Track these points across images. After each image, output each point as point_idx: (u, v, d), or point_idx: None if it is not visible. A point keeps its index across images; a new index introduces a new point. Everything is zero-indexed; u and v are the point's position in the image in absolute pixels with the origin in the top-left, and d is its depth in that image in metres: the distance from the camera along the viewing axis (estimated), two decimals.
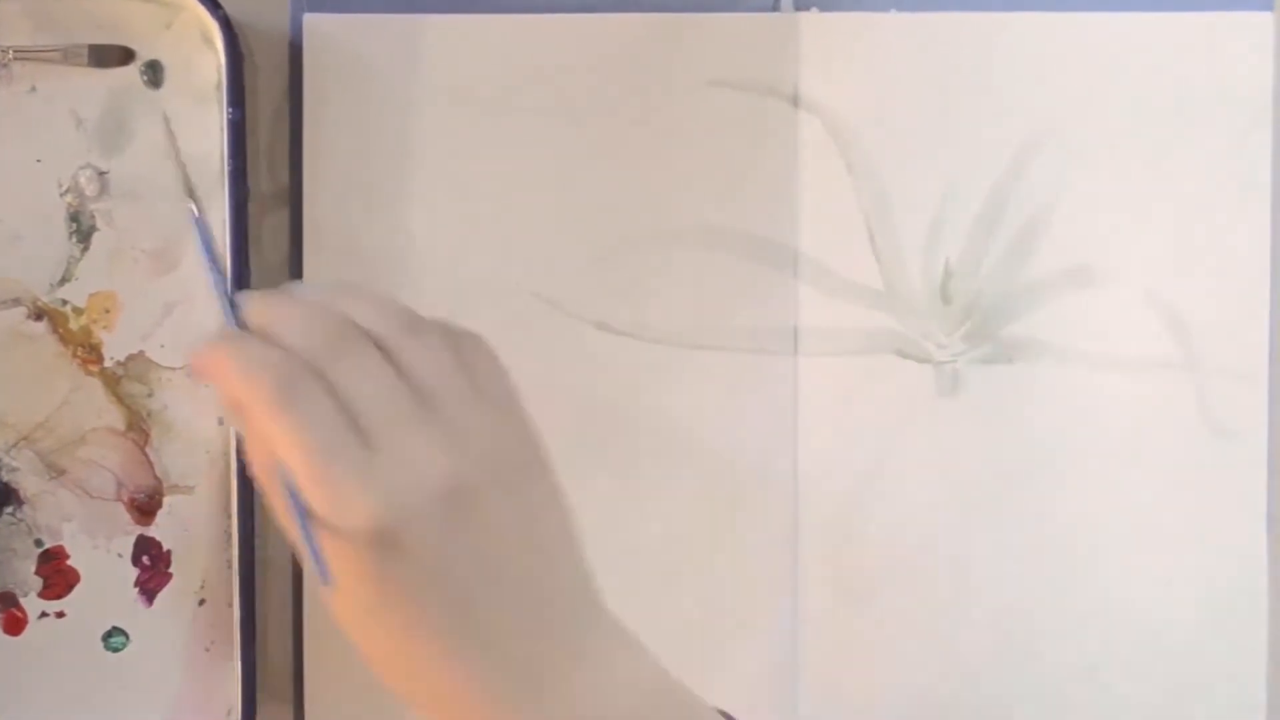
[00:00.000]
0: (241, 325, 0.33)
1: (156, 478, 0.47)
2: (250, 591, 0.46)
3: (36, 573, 0.46)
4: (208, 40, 0.46)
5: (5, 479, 0.46)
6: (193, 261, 0.46)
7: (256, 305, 0.33)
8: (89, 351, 0.46)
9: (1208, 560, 0.47)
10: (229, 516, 0.46)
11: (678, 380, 0.48)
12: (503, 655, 0.33)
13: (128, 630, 0.47)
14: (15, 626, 0.46)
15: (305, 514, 0.31)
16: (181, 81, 0.46)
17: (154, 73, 0.46)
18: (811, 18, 0.47)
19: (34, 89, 0.46)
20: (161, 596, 0.47)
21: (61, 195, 0.46)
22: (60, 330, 0.46)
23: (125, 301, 0.46)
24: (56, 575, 0.46)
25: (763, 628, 0.48)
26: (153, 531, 0.47)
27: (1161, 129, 0.47)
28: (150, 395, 0.46)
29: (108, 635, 0.47)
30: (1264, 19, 0.47)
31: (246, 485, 0.46)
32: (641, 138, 0.47)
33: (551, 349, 0.47)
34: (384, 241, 0.47)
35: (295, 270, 0.47)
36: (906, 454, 0.48)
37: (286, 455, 0.31)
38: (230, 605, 0.46)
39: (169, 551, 0.47)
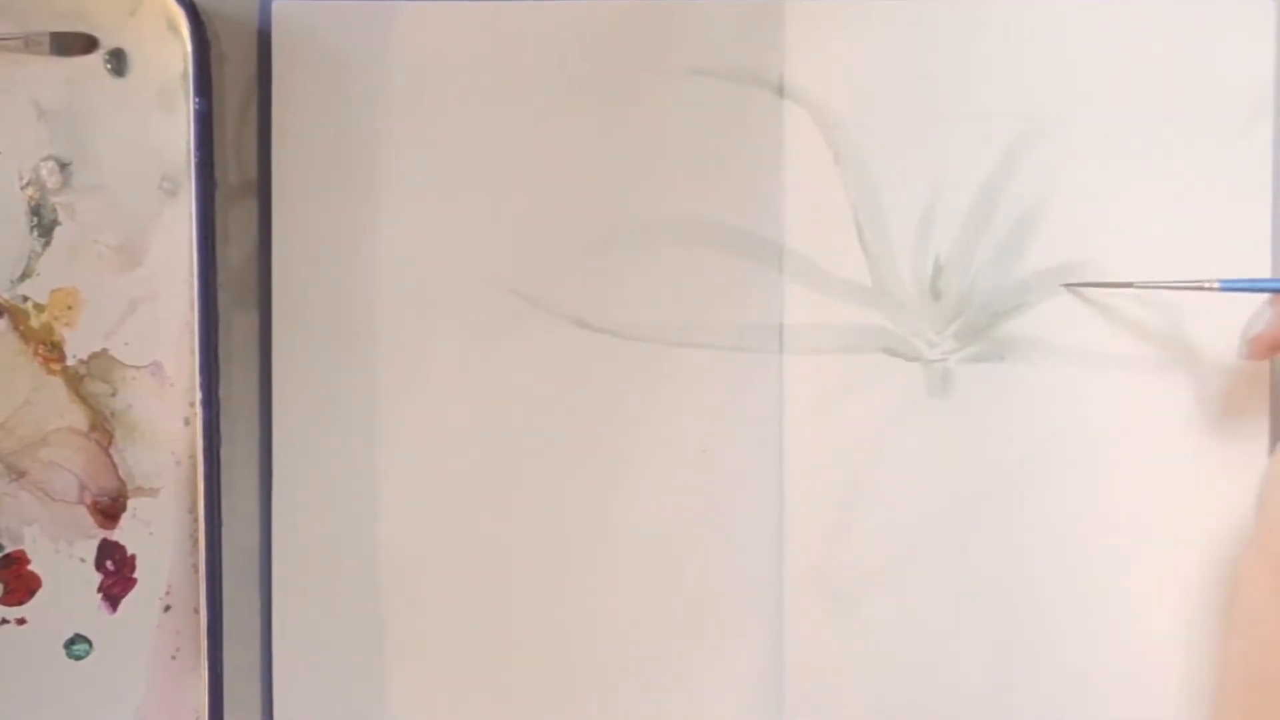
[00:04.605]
0: None
1: (120, 479, 0.45)
2: (217, 597, 0.45)
3: None
4: (174, 28, 0.45)
5: None
6: (158, 256, 0.45)
7: None
8: (50, 349, 0.45)
9: (1207, 562, 0.46)
10: (195, 519, 0.45)
11: (659, 379, 0.47)
12: None
13: (91, 637, 0.46)
14: None
15: None
16: (146, 71, 0.45)
17: (118, 61, 0.45)
18: (797, 4, 0.46)
19: None
20: (126, 602, 0.46)
21: (22, 188, 0.45)
22: (20, 328, 0.45)
23: (88, 298, 0.45)
24: (17, 580, 0.45)
25: (747, 632, 0.47)
26: (116, 535, 0.45)
27: (1159, 120, 0.46)
28: (114, 395, 0.45)
29: (70, 642, 0.46)
30: (1265, 7, 0.46)
31: (213, 487, 0.45)
32: (622, 128, 0.46)
33: (529, 346, 0.46)
34: (356, 235, 0.46)
35: (264, 264, 0.46)
36: (896, 454, 0.47)
37: None
38: (196, 611, 0.45)
39: (133, 556, 0.45)
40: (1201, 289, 0.44)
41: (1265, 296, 0.43)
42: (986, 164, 0.46)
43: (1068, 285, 0.46)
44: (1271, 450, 0.46)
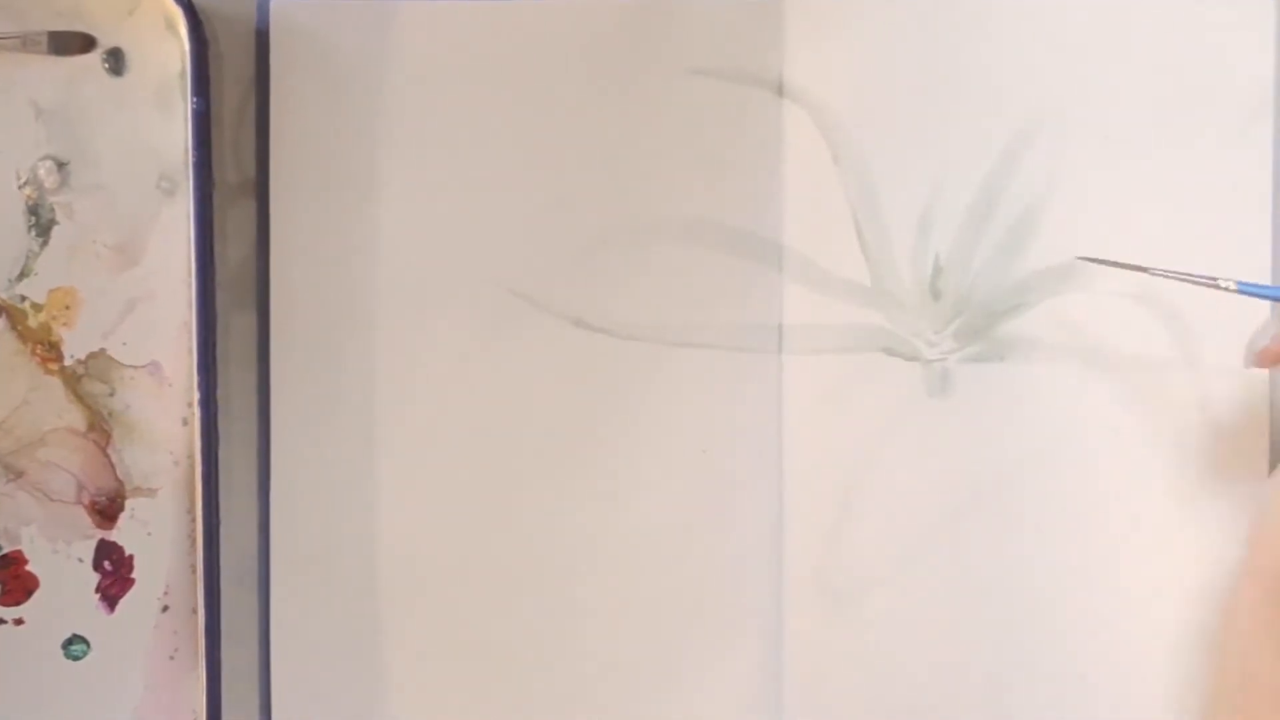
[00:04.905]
0: None
1: (118, 480, 0.45)
2: (215, 597, 0.45)
3: None
4: (171, 27, 0.45)
5: None
6: (156, 256, 0.45)
7: None
8: (48, 349, 0.45)
9: (1206, 564, 0.46)
10: (193, 520, 0.45)
11: (658, 379, 0.46)
12: None
13: (88, 638, 0.45)
14: None
15: None
16: (144, 70, 0.45)
17: (116, 61, 0.45)
18: (796, 3, 0.46)
19: None
20: (123, 603, 0.45)
21: (20, 188, 0.45)
22: (19, 327, 0.45)
23: (86, 298, 0.45)
24: (15, 581, 0.45)
25: (747, 632, 0.47)
26: (114, 535, 0.45)
27: (1159, 118, 0.46)
28: (112, 395, 0.45)
29: (68, 643, 0.45)
30: (1265, 6, 0.46)
31: (211, 487, 0.45)
32: (621, 128, 0.46)
33: (527, 346, 0.46)
34: (354, 235, 0.46)
35: (262, 264, 0.46)
36: (895, 455, 0.46)
37: None
38: (194, 612, 0.45)
39: (131, 556, 0.45)
40: (1216, 287, 0.43)
41: (1273, 305, 0.43)
42: (986, 163, 0.46)
43: (1082, 258, 0.45)
44: (1271, 450, 0.46)
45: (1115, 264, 0.45)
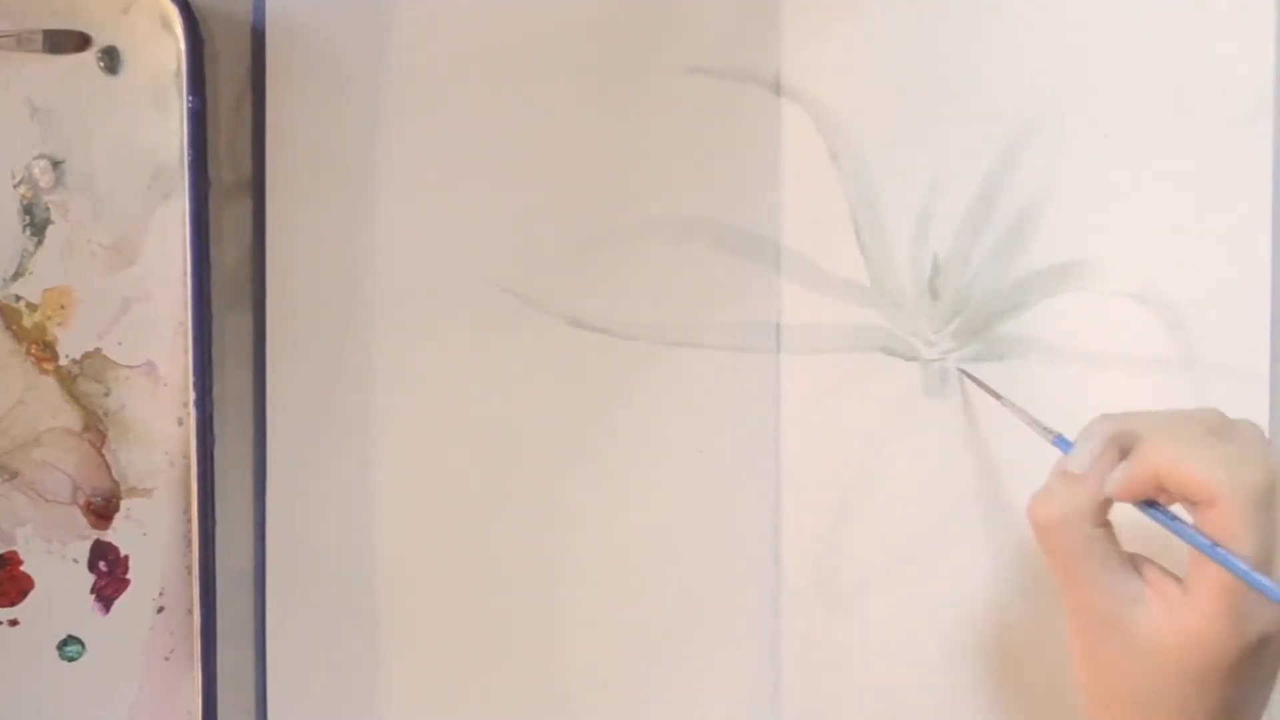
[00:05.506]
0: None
1: (114, 480, 0.45)
2: (211, 598, 0.45)
3: None
4: (167, 25, 0.44)
5: None
6: (151, 255, 0.45)
7: None
8: (43, 349, 0.45)
9: None
10: (189, 520, 0.45)
11: (655, 378, 0.46)
12: None
13: (84, 639, 0.45)
14: None
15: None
16: (140, 68, 0.45)
17: (111, 59, 0.45)
18: (794, 1, 0.46)
19: None
20: (119, 604, 0.45)
21: (15, 187, 0.45)
22: (13, 327, 0.45)
23: (81, 297, 0.45)
24: (9, 582, 0.45)
25: (744, 635, 0.47)
26: (110, 536, 0.45)
27: (1158, 117, 0.46)
28: (107, 394, 0.45)
29: (63, 644, 0.45)
30: (1265, 4, 0.46)
31: (207, 488, 0.45)
32: (618, 126, 0.46)
33: (524, 346, 0.46)
34: (350, 235, 0.46)
35: (258, 263, 0.46)
36: (893, 455, 0.46)
37: None
38: (190, 612, 0.45)
39: (126, 557, 0.45)
40: (1044, 435, 0.40)
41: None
42: (985, 162, 0.46)
43: (961, 369, 0.45)
44: (1271, 449, 0.46)
45: (981, 384, 0.45)
